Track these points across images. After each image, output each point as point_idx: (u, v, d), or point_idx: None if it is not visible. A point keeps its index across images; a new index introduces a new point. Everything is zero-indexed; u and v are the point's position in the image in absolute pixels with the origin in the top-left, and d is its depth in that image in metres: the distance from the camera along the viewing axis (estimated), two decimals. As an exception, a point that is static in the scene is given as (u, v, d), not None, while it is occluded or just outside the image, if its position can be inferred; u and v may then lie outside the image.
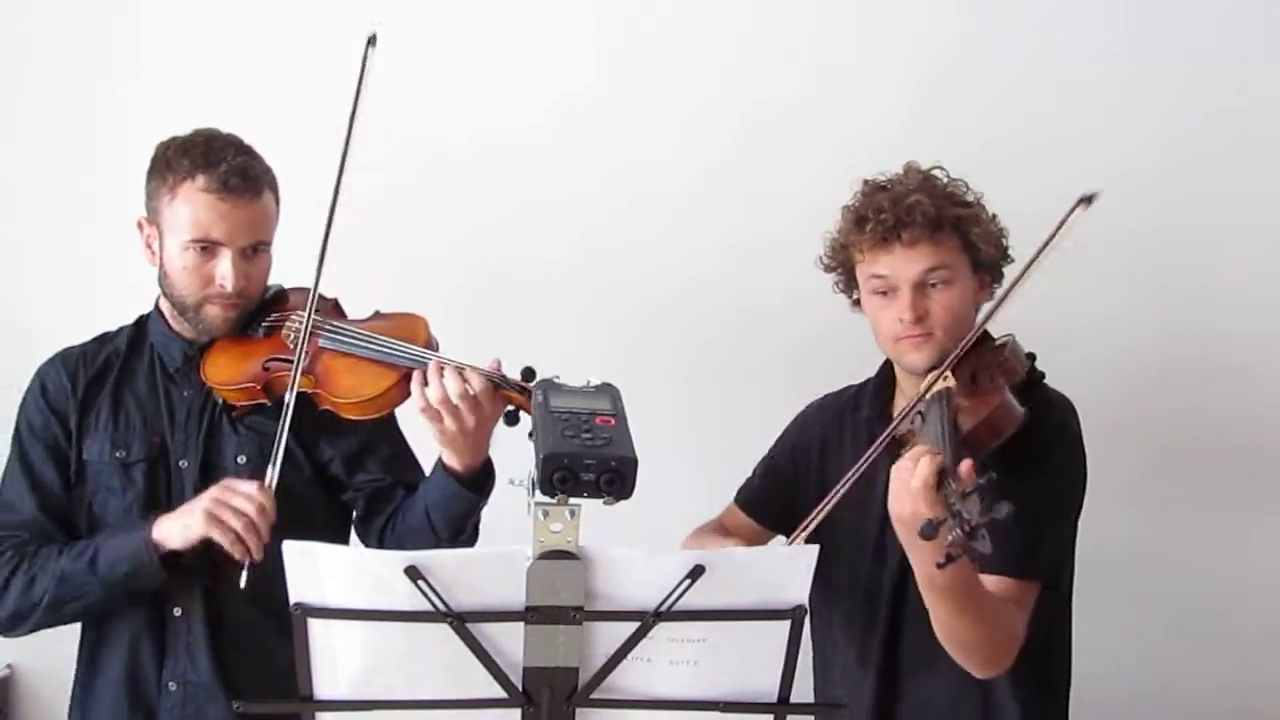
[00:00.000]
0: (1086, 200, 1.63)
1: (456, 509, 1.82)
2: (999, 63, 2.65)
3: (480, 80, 2.74)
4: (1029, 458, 1.66)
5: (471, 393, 1.74)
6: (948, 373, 1.74)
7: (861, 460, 1.78)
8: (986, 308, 1.86)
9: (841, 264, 1.93)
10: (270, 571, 1.73)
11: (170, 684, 1.87)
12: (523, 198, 2.74)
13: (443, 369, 1.76)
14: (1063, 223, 1.66)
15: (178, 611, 1.86)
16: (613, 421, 1.30)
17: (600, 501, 1.26)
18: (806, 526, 1.80)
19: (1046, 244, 1.68)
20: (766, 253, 2.69)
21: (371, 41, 1.84)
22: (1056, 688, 1.90)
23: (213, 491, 1.76)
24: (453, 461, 1.80)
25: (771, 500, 2.03)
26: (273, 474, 1.76)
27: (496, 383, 1.78)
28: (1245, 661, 2.69)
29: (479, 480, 1.83)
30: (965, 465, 1.48)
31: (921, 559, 1.57)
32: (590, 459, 1.24)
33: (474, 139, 2.74)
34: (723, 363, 2.70)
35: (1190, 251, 2.65)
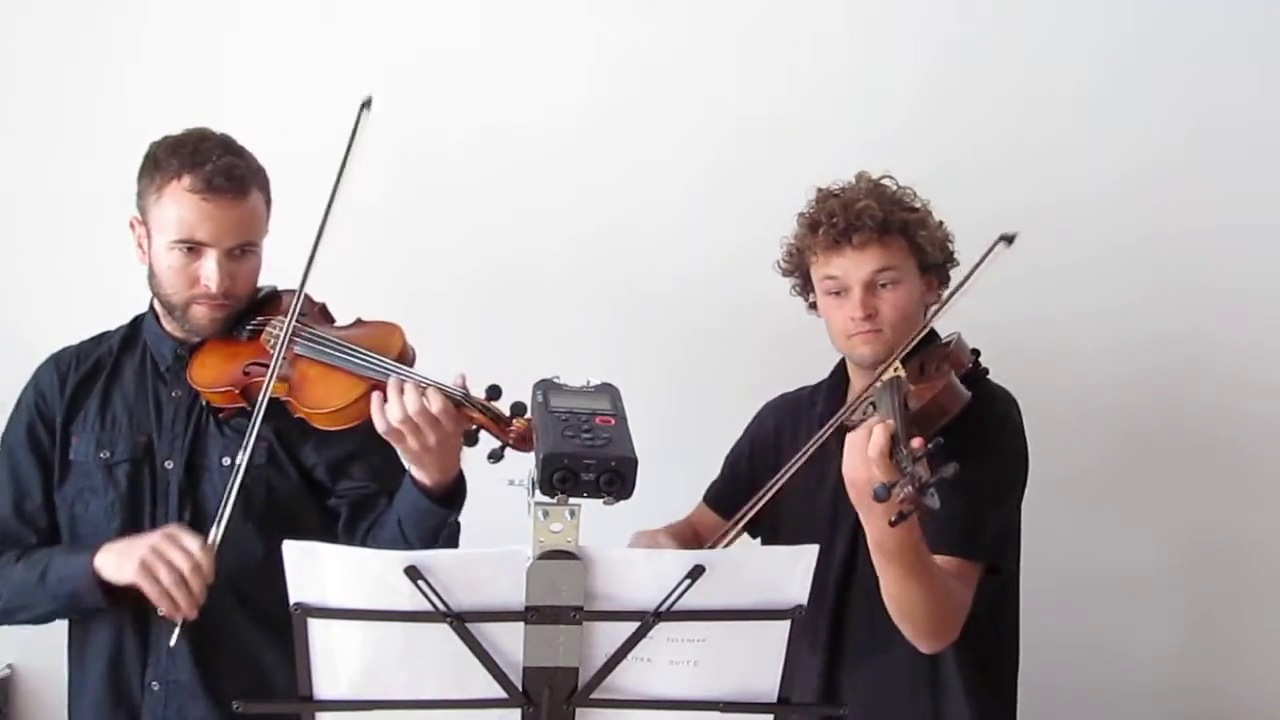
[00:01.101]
0: (1007, 240, 1.72)
1: (428, 522, 1.81)
2: (996, 66, 2.65)
3: (476, 82, 2.73)
4: (972, 443, 1.73)
5: (430, 409, 1.71)
6: (898, 363, 1.83)
7: (810, 442, 1.89)
8: (930, 310, 1.96)
9: (798, 267, 2.04)
10: (254, 572, 1.76)
11: (153, 683, 1.87)
12: (520, 198, 2.74)
13: (403, 386, 1.72)
14: (982, 259, 1.75)
15: (160, 612, 1.86)
16: (613, 421, 1.31)
17: (600, 501, 1.26)
18: (751, 508, 1.92)
19: (967, 279, 1.78)
20: (767, 253, 2.68)
21: (366, 105, 1.83)
22: (1004, 669, 1.98)
23: (153, 538, 1.73)
24: (421, 476, 1.78)
25: (734, 494, 2.09)
26: (216, 533, 1.73)
27: (458, 401, 1.74)
28: (1247, 665, 2.69)
29: (449, 495, 1.81)
30: (916, 440, 1.56)
31: (873, 522, 1.65)
32: (590, 459, 1.25)
33: (471, 140, 2.74)
34: (723, 363, 2.70)
35: (1189, 252, 2.65)
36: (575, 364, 1.47)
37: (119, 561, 1.74)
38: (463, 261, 2.74)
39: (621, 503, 1.26)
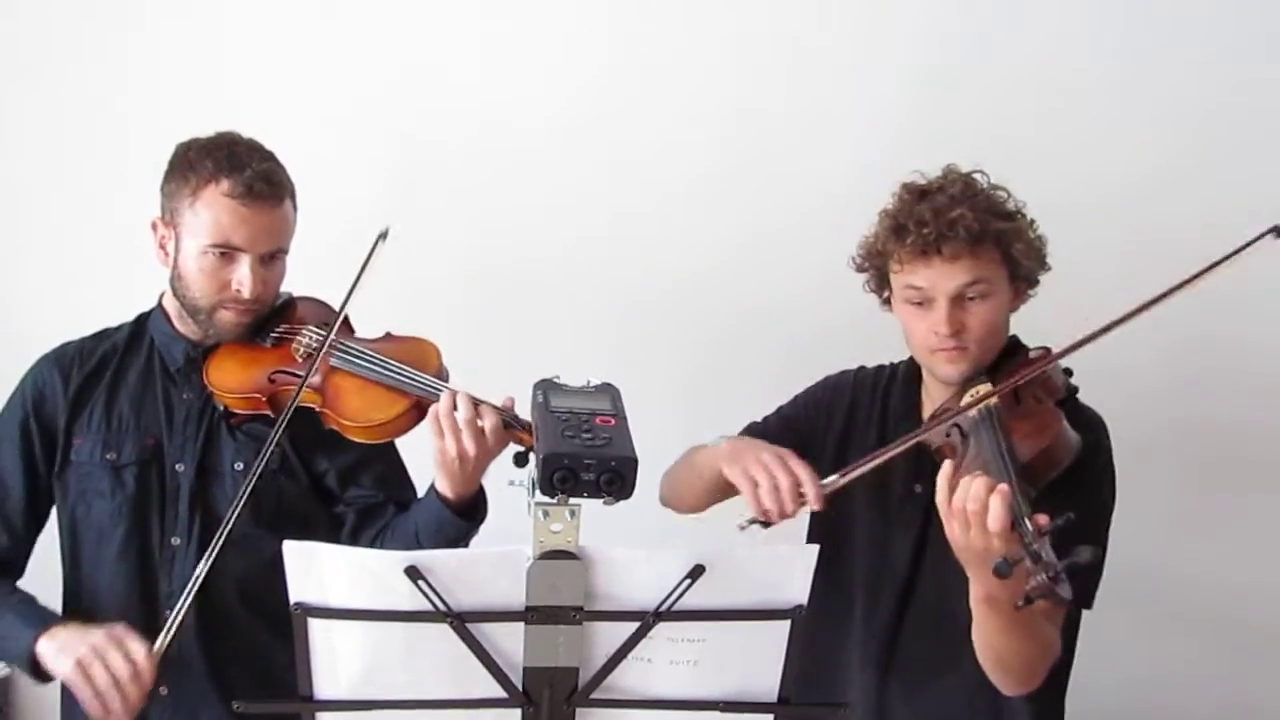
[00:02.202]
0: (1278, 230, 1.59)
1: (446, 534, 1.81)
2: (996, 66, 2.65)
3: (482, 83, 2.74)
4: (1070, 478, 1.64)
5: (481, 425, 1.72)
6: (987, 386, 1.72)
7: (902, 441, 1.75)
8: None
9: (875, 267, 1.89)
10: (264, 574, 1.71)
11: (162, 688, 1.84)
12: (524, 199, 2.75)
13: (456, 398, 1.73)
14: (1245, 246, 1.66)
15: (169, 614, 1.85)
16: (613, 421, 1.31)
17: (600, 501, 1.26)
18: (857, 468, 1.77)
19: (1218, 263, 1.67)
20: (767, 253, 2.69)
21: (383, 236, 1.85)
22: (1061, 692, 1.90)
23: (96, 637, 1.68)
24: (445, 488, 1.78)
25: (780, 444, 1.94)
26: (163, 641, 1.69)
27: (508, 421, 1.75)
28: (1247, 665, 2.69)
29: (470, 508, 1.81)
30: (1042, 517, 1.46)
31: (983, 578, 1.54)
32: (590, 459, 1.24)
33: (475, 141, 2.74)
34: (723, 363, 2.70)
35: (1194, 254, 2.64)
36: (578, 365, 1.46)
37: (58, 655, 1.70)
38: (465, 262, 2.74)
39: (621, 503, 1.26)
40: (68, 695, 1.92)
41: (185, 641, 1.85)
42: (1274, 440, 2.63)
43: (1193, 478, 2.66)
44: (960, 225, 1.74)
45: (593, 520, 1.28)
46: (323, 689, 1.34)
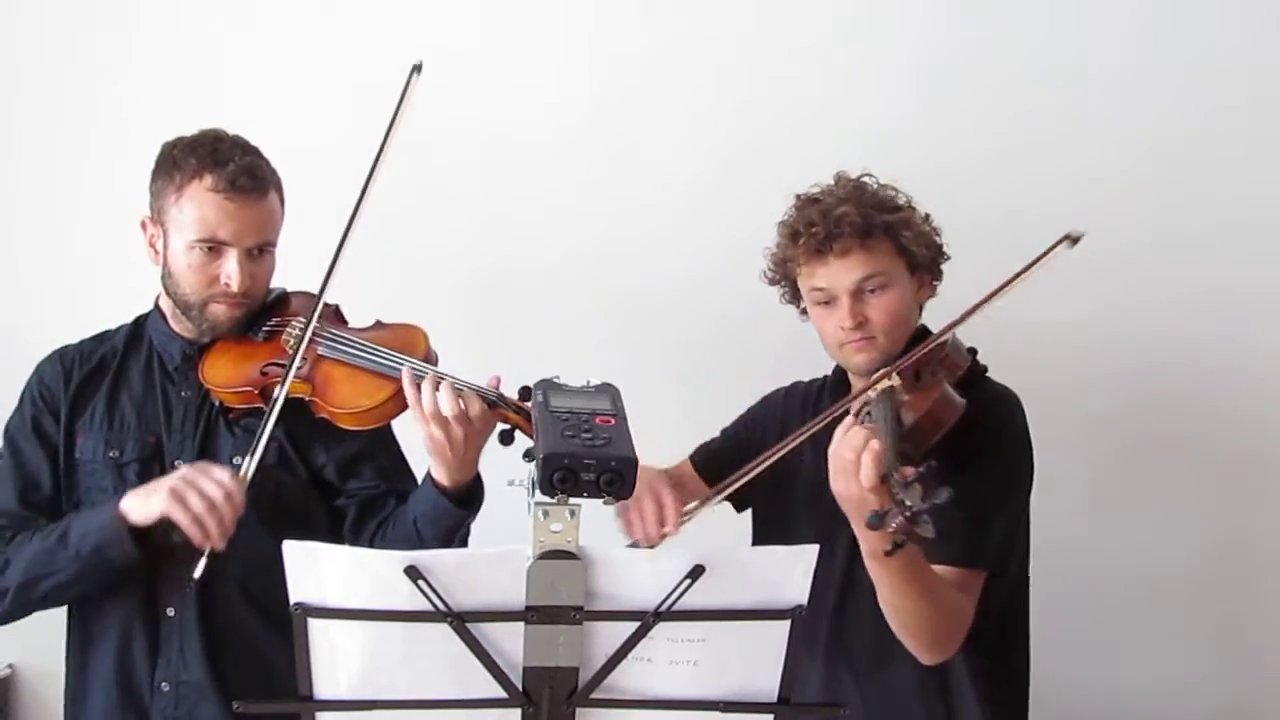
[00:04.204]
0: (1072, 240, 1.69)
1: (444, 522, 1.82)
2: (994, 65, 2.65)
3: (478, 81, 2.74)
4: (972, 449, 1.72)
5: (464, 410, 1.74)
6: (894, 374, 1.79)
7: (804, 428, 1.85)
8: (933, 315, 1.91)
9: (784, 277, 1.99)
10: (264, 572, 1.71)
11: (163, 684, 1.86)
12: (521, 198, 2.75)
13: (439, 384, 1.75)
14: (1042, 256, 1.72)
15: (171, 611, 1.86)
16: (613, 421, 1.30)
17: (600, 501, 1.26)
18: (737, 479, 1.90)
19: (1018, 275, 1.74)
20: (767, 253, 2.69)
21: (417, 69, 1.84)
22: (1015, 677, 1.94)
23: (183, 470, 1.73)
24: (440, 476, 1.80)
25: (721, 460, 2.08)
26: (248, 465, 1.73)
27: (493, 401, 1.77)
28: (1245, 666, 2.69)
29: (467, 495, 1.82)
30: (907, 468, 1.54)
31: (862, 532, 1.63)
32: (590, 459, 1.24)
33: (472, 140, 2.74)
34: (723, 362, 2.70)
35: (1186, 252, 2.65)
36: (578, 364, 1.47)
37: (146, 497, 1.72)
38: (464, 261, 2.74)
39: (621, 503, 1.26)
40: (74, 696, 1.94)
41: (186, 641, 1.86)
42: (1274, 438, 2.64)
43: (1194, 476, 2.67)
44: (845, 221, 1.83)
45: (593, 520, 1.28)
46: (322, 689, 1.34)
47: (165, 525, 1.71)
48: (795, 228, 1.90)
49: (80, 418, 1.91)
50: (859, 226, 1.83)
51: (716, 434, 2.18)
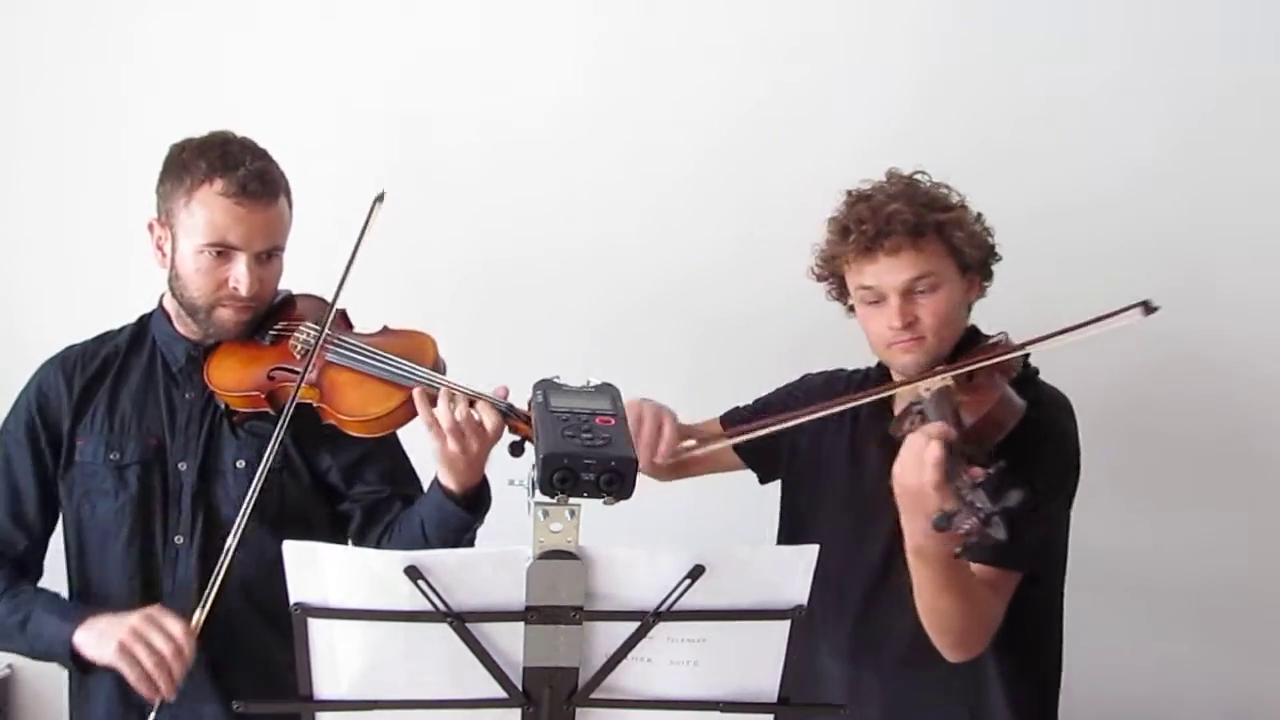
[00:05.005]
0: (1148, 309, 1.68)
1: (451, 526, 1.82)
2: (996, 66, 2.65)
3: (480, 81, 2.74)
4: (1019, 451, 1.68)
5: (478, 420, 1.74)
6: (948, 375, 1.77)
7: (818, 406, 1.89)
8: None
9: (832, 274, 1.95)
10: (266, 573, 1.73)
11: None
12: (522, 199, 2.75)
13: (453, 396, 1.75)
14: (1110, 315, 1.70)
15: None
16: (613, 421, 1.30)
17: (600, 501, 1.26)
18: (732, 436, 1.99)
19: (1079, 327, 1.70)
20: (767, 252, 2.69)
21: (379, 199, 1.85)
22: (1046, 681, 1.92)
23: (134, 620, 1.71)
24: (448, 481, 1.80)
25: (747, 422, 2.06)
26: (199, 617, 1.72)
27: (504, 412, 1.77)
28: (1248, 663, 2.69)
29: (474, 500, 1.83)
30: (975, 468, 1.51)
31: (916, 527, 1.60)
32: (590, 459, 1.24)
33: (474, 140, 2.74)
34: (723, 362, 2.70)
35: (1190, 251, 2.65)
36: (576, 363, 1.46)
37: (99, 642, 1.73)
38: (464, 262, 2.74)
39: (621, 503, 1.26)
40: (78, 696, 1.94)
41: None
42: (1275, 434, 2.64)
43: (1193, 474, 2.67)
44: (897, 219, 1.80)
45: (593, 520, 1.28)
46: (323, 689, 1.34)
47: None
48: (845, 224, 1.86)
49: (82, 420, 1.90)
50: (910, 225, 1.80)
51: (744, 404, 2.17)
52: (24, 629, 1.80)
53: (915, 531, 1.61)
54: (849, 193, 1.91)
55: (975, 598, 1.69)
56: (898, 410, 1.87)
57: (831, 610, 1.91)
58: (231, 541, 1.73)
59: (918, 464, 1.54)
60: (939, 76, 2.65)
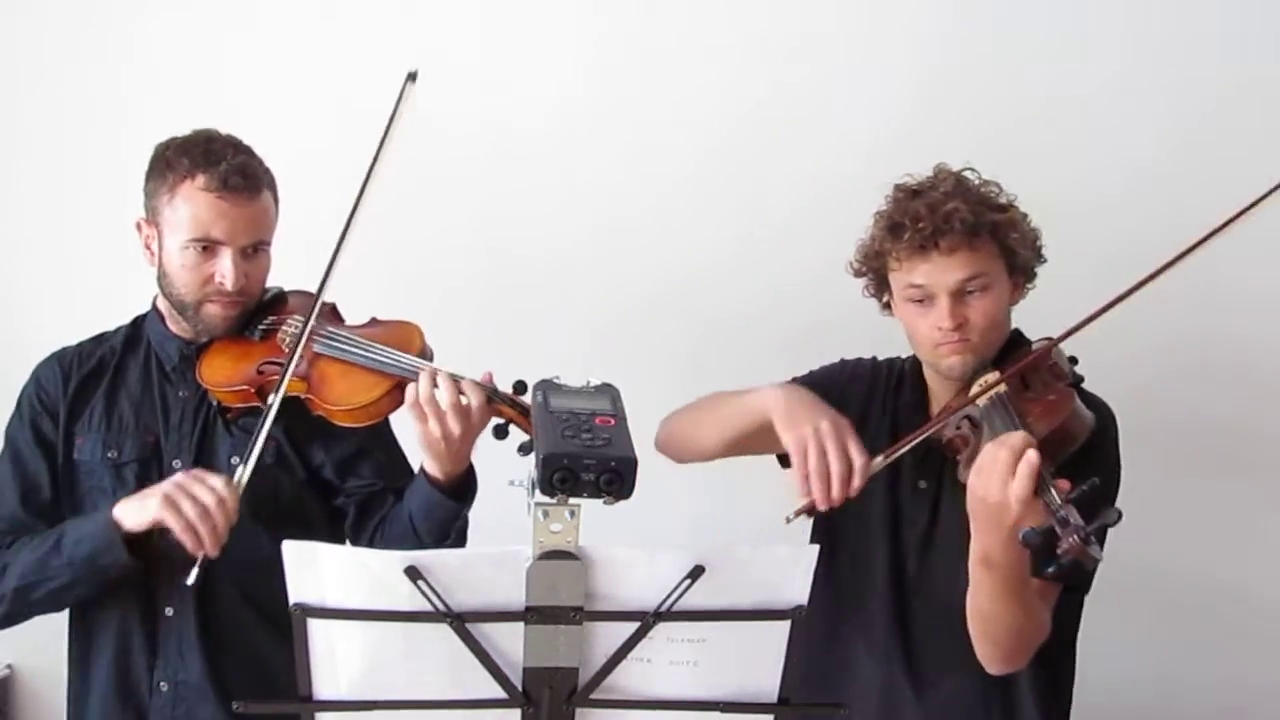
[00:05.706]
0: None
1: (438, 516, 1.83)
2: (998, 64, 2.65)
3: (480, 81, 2.74)
4: (1080, 460, 1.65)
5: (465, 403, 1.74)
6: (995, 374, 1.73)
7: (915, 434, 1.76)
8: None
9: (874, 270, 1.90)
10: (263, 572, 1.71)
11: (161, 684, 1.87)
12: (522, 197, 2.75)
13: (436, 377, 1.76)
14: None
15: (170, 611, 1.86)
16: (613, 421, 1.30)
17: (600, 501, 1.26)
18: (895, 450, 1.77)
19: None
20: (767, 251, 2.69)
21: (412, 78, 1.83)
22: (1065, 688, 1.91)
23: (178, 477, 1.73)
24: (433, 469, 1.81)
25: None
26: (243, 472, 1.74)
27: (489, 395, 1.78)
28: (1246, 664, 2.69)
29: (460, 488, 1.83)
30: (1063, 481, 1.48)
31: (991, 536, 1.55)
32: (590, 459, 1.24)
33: (474, 138, 2.74)
34: (723, 362, 2.70)
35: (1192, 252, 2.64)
36: (575, 363, 1.46)
37: (140, 503, 1.73)
38: (464, 261, 2.74)
39: (621, 503, 1.26)
40: (76, 695, 1.94)
41: (185, 640, 1.86)
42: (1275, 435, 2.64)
43: (1193, 472, 2.67)
44: (956, 218, 1.75)
45: (593, 520, 1.28)
46: (322, 689, 1.34)
47: (159, 531, 1.71)
48: (899, 220, 1.79)
49: (79, 419, 1.91)
50: (969, 224, 1.75)
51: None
52: (59, 546, 1.78)
53: (991, 544, 1.56)
54: (898, 187, 1.85)
55: (1031, 608, 1.65)
56: (934, 410, 1.84)
57: (868, 608, 1.89)
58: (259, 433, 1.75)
59: (1004, 475, 1.49)
60: (939, 76, 2.65)
